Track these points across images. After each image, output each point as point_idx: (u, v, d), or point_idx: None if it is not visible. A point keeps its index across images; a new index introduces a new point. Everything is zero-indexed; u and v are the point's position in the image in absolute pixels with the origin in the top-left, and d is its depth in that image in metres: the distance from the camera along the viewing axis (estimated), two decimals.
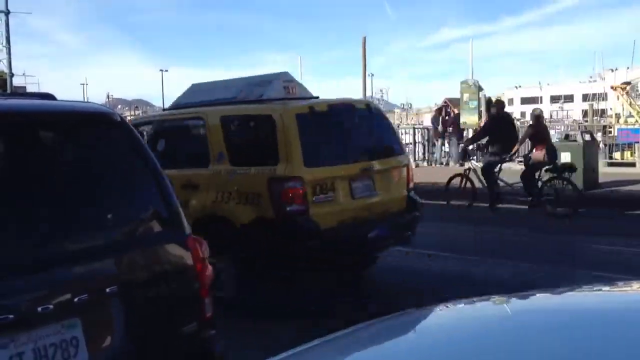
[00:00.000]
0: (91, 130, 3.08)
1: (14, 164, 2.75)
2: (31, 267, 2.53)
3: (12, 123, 2.78)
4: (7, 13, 23.30)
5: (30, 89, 28.50)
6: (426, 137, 23.14)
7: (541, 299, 2.01)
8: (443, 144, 21.74)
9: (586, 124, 30.69)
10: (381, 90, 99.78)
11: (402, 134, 24.21)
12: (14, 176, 2.73)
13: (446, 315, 1.94)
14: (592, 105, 49.02)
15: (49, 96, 3.20)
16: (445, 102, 28.58)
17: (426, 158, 22.67)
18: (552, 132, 18.88)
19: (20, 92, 15.86)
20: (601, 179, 13.96)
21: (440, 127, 21.31)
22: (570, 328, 1.55)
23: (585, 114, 54.76)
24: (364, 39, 28.78)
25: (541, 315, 1.74)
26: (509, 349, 1.46)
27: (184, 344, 3.00)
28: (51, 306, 2.48)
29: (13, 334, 2.38)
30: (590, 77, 79.96)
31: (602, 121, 36.27)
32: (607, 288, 2.22)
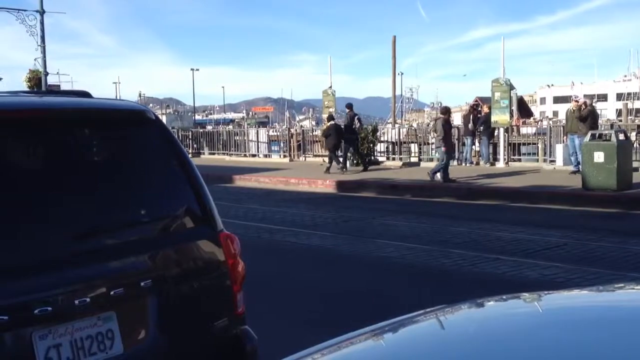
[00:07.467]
0: (126, 127, 3.12)
1: (52, 161, 2.81)
2: (69, 262, 2.59)
3: (49, 120, 2.84)
4: (42, 13, 23.66)
5: (64, 87, 28.92)
6: (456, 136, 22.93)
7: (572, 297, 2.00)
8: (473, 143, 21.52)
9: (620, 123, 30.17)
10: (411, 89, 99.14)
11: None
12: (52, 172, 2.79)
13: (472, 314, 1.93)
14: (627, 104, 48.19)
15: (85, 94, 3.23)
16: (476, 101, 28.30)
17: (456, 157, 22.48)
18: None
19: (56, 90, 16.08)
20: (635, 179, 13.70)
21: (470, 126, 21.10)
22: (601, 326, 1.55)
23: (619, 113, 53.86)
24: (394, 38, 28.70)
25: (573, 312, 1.73)
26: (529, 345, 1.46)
27: (215, 339, 3.04)
28: (88, 299, 2.53)
29: (51, 326, 2.44)
30: (625, 76, 78.60)
31: (636, 120, 35.66)
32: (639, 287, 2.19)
